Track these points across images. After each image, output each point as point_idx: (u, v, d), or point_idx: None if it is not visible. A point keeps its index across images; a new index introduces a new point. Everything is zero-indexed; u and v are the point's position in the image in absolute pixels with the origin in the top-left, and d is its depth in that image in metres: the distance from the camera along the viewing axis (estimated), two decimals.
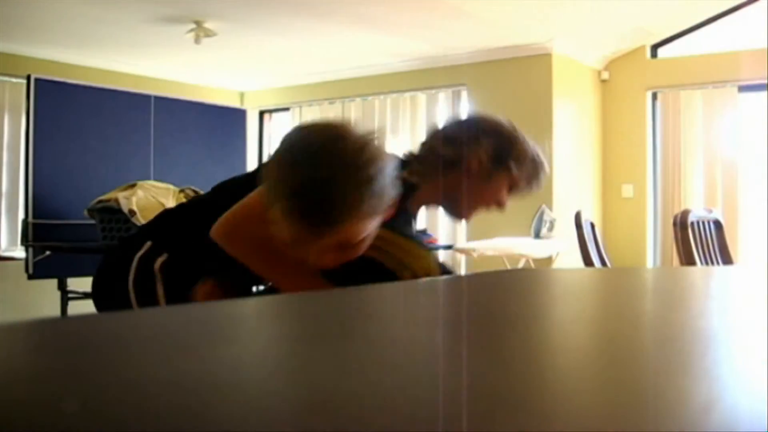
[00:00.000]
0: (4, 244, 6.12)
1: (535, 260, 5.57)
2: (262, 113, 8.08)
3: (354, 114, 7.18)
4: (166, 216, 1.79)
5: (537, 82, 6.05)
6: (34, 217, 4.51)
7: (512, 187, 1.75)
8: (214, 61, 6.74)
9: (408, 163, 1.69)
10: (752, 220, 5.98)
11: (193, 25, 5.48)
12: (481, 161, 1.67)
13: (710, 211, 3.38)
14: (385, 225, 1.40)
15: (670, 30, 6.23)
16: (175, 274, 1.63)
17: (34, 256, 4.54)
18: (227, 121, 6.88)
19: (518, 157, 1.69)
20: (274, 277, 1.55)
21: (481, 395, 0.38)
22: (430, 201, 1.78)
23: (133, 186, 4.28)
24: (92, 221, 4.08)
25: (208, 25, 5.48)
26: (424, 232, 5.82)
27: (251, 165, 7.67)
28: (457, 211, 1.82)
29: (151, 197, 4.23)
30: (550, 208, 5.82)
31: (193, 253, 1.61)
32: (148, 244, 1.65)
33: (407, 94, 6.85)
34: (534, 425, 0.33)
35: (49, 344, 0.56)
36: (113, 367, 0.47)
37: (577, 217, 3.25)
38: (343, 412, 0.35)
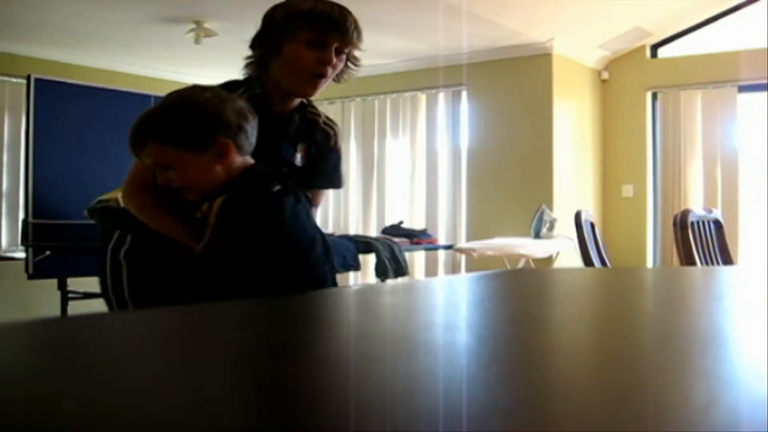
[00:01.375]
0: (4, 244, 6.11)
1: (535, 260, 5.57)
2: None
3: (354, 114, 7.18)
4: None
5: (537, 82, 6.05)
6: (34, 217, 4.51)
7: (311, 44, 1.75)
8: (214, 61, 6.74)
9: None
10: (752, 220, 5.98)
11: (193, 25, 5.47)
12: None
13: (710, 211, 3.38)
14: None
15: (670, 30, 6.23)
16: (138, 259, 1.79)
17: (34, 256, 4.54)
18: None
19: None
20: (153, 223, 1.71)
21: (481, 395, 0.38)
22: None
23: None
24: (92, 221, 4.08)
25: (208, 25, 5.47)
26: (424, 231, 5.82)
27: None
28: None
29: None
30: (550, 208, 5.82)
31: (148, 236, 1.74)
32: (116, 234, 1.83)
33: (407, 94, 6.85)
34: (534, 425, 0.33)
35: (49, 344, 0.56)
36: (112, 367, 0.47)
37: (577, 217, 3.25)
38: (343, 412, 0.35)
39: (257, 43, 1.81)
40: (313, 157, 1.87)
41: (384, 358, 0.49)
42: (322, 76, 1.77)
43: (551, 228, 5.70)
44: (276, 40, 1.75)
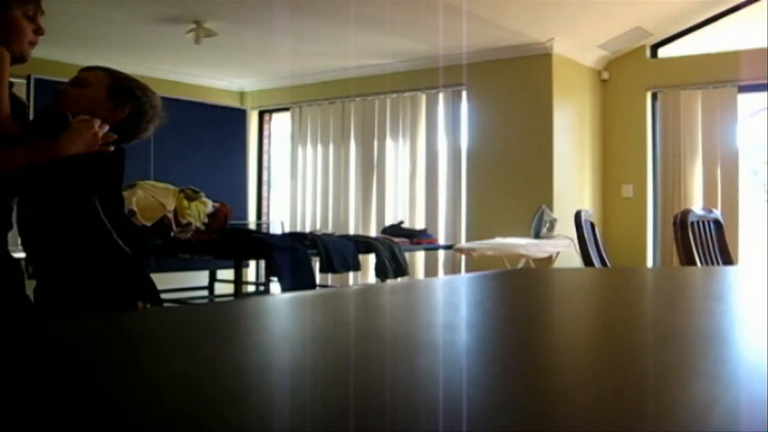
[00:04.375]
0: None
1: (535, 260, 5.57)
2: (262, 113, 8.08)
3: (354, 114, 7.18)
4: None
5: (537, 82, 6.05)
6: None
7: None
8: (214, 61, 6.74)
9: None
10: (752, 220, 5.98)
11: (193, 25, 5.47)
12: None
13: (710, 211, 3.38)
14: None
15: (670, 30, 6.23)
16: None
17: None
18: (227, 121, 6.89)
19: None
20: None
21: (482, 394, 0.38)
22: None
23: (133, 186, 4.28)
24: None
25: (208, 25, 5.47)
26: (424, 231, 5.82)
27: (252, 164, 7.69)
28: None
29: (151, 197, 4.23)
30: (550, 208, 5.82)
31: None
32: None
33: (407, 94, 6.84)
34: (534, 425, 0.33)
35: (51, 343, 0.56)
36: (113, 367, 0.47)
37: (577, 217, 3.25)
38: (343, 411, 0.35)
39: None
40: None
41: (384, 358, 0.49)
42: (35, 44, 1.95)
43: (551, 228, 5.70)
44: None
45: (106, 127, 1.87)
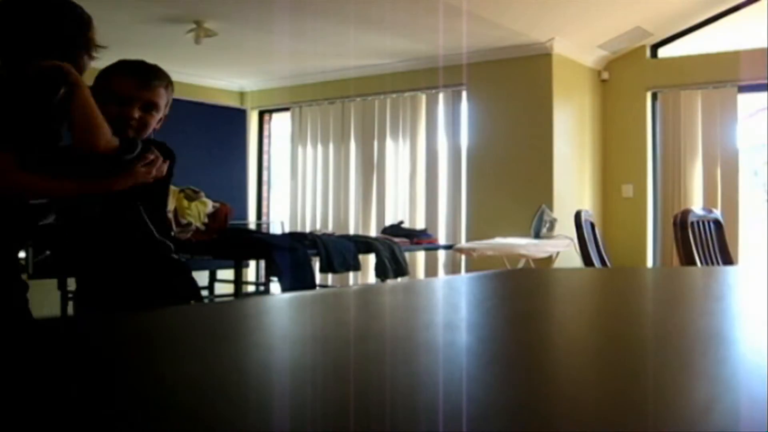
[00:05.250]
0: None
1: (535, 260, 5.57)
2: (262, 113, 8.08)
3: (354, 114, 7.18)
4: None
5: (537, 82, 6.05)
6: None
7: None
8: (214, 61, 6.74)
9: None
10: (752, 220, 5.98)
11: (193, 25, 5.47)
12: None
13: (710, 211, 3.38)
14: None
15: (670, 30, 6.23)
16: None
17: (34, 256, 4.54)
18: (227, 121, 6.89)
19: None
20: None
21: (482, 395, 0.38)
22: None
23: None
24: None
25: (208, 25, 5.47)
26: (424, 231, 5.82)
27: (252, 164, 7.68)
28: None
29: None
30: (550, 208, 5.82)
31: None
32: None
33: (407, 94, 6.84)
34: (534, 425, 0.33)
35: (50, 343, 0.57)
36: (115, 367, 0.47)
37: (577, 217, 3.25)
38: (343, 412, 0.35)
39: None
40: None
41: (384, 358, 0.49)
42: None
43: (551, 228, 5.70)
44: None
45: (166, 165, 1.88)
